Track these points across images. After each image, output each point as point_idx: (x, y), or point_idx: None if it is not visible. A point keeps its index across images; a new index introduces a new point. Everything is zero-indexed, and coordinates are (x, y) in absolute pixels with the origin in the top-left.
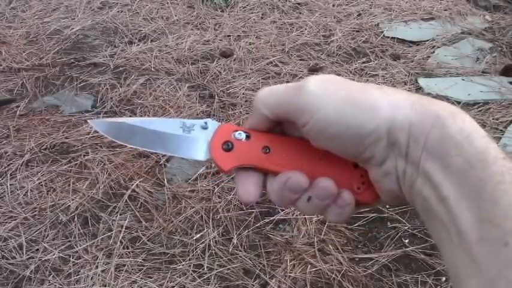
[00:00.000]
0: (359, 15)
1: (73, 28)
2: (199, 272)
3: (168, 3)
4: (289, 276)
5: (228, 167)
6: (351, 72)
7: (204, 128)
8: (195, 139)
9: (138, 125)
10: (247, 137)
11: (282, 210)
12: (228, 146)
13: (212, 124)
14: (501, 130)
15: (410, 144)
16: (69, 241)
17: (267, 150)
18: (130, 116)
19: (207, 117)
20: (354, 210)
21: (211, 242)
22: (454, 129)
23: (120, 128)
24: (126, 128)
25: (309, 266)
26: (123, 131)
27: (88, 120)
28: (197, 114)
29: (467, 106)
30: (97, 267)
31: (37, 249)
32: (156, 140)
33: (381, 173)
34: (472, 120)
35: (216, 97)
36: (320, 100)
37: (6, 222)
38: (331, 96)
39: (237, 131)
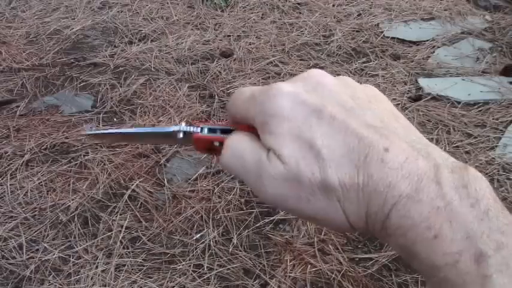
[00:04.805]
0: (359, 15)
1: (73, 28)
2: (199, 272)
3: (168, 3)
4: (289, 276)
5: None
6: (351, 72)
7: (184, 134)
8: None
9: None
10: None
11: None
12: (210, 149)
13: (184, 134)
14: (501, 130)
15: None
16: (69, 241)
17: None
18: (130, 116)
19: (176, 126)
20: None
21: (211, 242)
22: (397, 249)
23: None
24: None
25: (309, 266)
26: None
27: (85, 132)
28: (197, 114)
29: (467, 106)
30: (97, 267)
31: (37, 249)
32: (144, 138)
33: None
34: (419, 207)
35: (216, 97)
36: (281, 207)
37: (6, 222)
38: (293, 208)
39: (213, 141)
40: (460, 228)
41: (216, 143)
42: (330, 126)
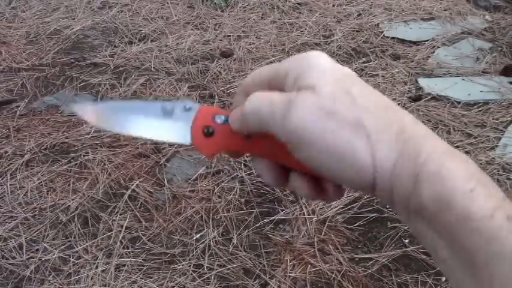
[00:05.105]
0: (359, 15)
1: (73, 28)
2: (199, 272)
3: (168, 3)
4: (289, 276)
5: (209, 152)
6: None
7: (185, 110)
8: (176, 124)
9: (119, 114)
10: (228, 121)
11: (282, 210)
12: (208, 131)
13: (193, 106)
14: (501, 130)
15: (395, 203)
16: (69, 241)
17: (248, 136)
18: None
19: (187, 99)
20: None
21: (211, 242)
22: (429, 198)
23: (103, 116)
24: (109, 116)
25: (309, 266)
26: (106, 119)
27: (73, 106)
28: None
29: (467, 106)
30: (97, 267)
31: (37, 249)
32: (138, 126)
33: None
34: (456, 171)
35: (216, 97)
36: (305, 143)
37: (6, 222)
38: (318, 141)
39: (217, 114)
40: (496, 190)
41: (219, 119)
42: (365, 87)
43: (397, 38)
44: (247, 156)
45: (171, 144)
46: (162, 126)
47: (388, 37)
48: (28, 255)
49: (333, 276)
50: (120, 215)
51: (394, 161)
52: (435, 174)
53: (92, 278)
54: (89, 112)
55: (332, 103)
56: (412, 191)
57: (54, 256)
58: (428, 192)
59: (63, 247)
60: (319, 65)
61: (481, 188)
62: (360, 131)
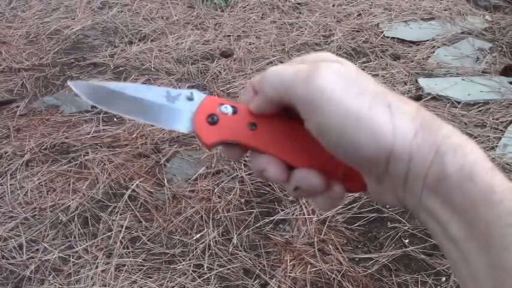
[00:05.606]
0: (359, 15)
1: (73, 28)
2: (199, 272)
3: (168, 3)
4: (289, 276)
5: (210, 141)
6: None
7: (190, 98)
8: (179, 110)
9: (119, 90)
10: (234, 111)
11: (282, 210)
12: (213, 119)
13: (198, 95)
14: (501, 130)
15: (409, 178)
16: (69, 241)
17: (253, 127)
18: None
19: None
20: (344, 198)
21: (211, 242)
22: (453, 167)
23: (100, 92)
24: (107, 92)
25: (309, 266)
26: (103, 95)
27: (68, 82)
28: None
29: (467, 106)
30: (97, 267)
31: (37, 249)
32: (137, 107)
33: (378, 188)
34: (476, 149)
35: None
36: (325, 102)
37: (6, 222)
38: (338, 101)
39: (223, 104)
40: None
41: (225, 109)
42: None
43: (397, 38)
44: (247, 156)
45: (170, 131)
46: (163, 110)
47: (388, 37)
48: (28, 255)
49: (333, 276)
50: (120, 215)
51: (414, 130)
52: (458, 147)
53: (92, 278)
54: (86, 88)
55: (356, 75)
56: (434, 160)
57: (54, 256)
58: (453, 162)
59: (63, 247)
60: (340, 61)
61: (496, 170)
62: (380, 100)
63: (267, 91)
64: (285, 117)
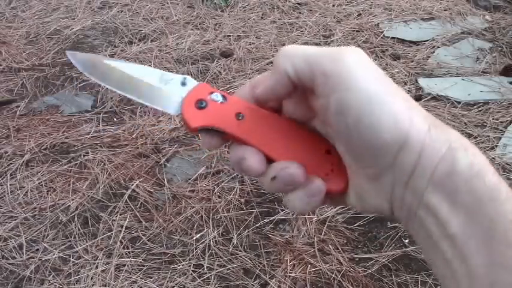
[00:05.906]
0: (359, 15)
1: (73, 28)
2: (199, 272)
3: (168, 3)
4: (289, 276)
5: (195, 124)
6: None
7: (182, 84)
8: (170, 92)
9: (115, 66)
10: (224, 100)
11: (282, 210)
12: (201, 104)
13: (191, 82)
14: (501, 130)
15: (415, 173)
16: (69, 241)
17: (240, 117)
18: (130, 116)
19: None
20: (321, 202)
21: (211, 242)
22: (464, 164)
23: (96, 65)
24: (103, 66)
25: (309, 266)
26: (99, 68)
27: (66, 51)
28: None
29: (467, 106)
30: (97, 267)
31: (37, 249)
32: (130, 84)
33: (368, 188)
34: (482, 154)
35: None
36: (353, 79)
37: (6, 222)
38: (364, 81)
39: (214, 92)
40: None
41: (216, 96)
42: None
43: (397, 38)
44: (226, 145)
45: (156, 110)
46: (154, 91)
47: (388, 37)
48: (28, 255)
49: (333, 276)
50: (120, 215)
51: (428, 126)
52: (469, 147)
53: (92, 278)
54: (83, 59)
55: (378, 69)
56: (446, 154)
57: (54, 256)
58: (464, 159)
59: (63, 247)
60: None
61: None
62: (398, 95)
63: (284, 66)
64: (274, 112)
